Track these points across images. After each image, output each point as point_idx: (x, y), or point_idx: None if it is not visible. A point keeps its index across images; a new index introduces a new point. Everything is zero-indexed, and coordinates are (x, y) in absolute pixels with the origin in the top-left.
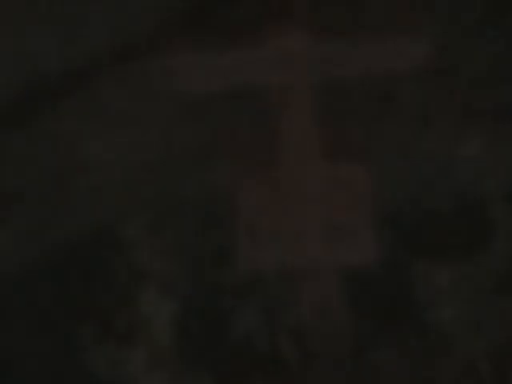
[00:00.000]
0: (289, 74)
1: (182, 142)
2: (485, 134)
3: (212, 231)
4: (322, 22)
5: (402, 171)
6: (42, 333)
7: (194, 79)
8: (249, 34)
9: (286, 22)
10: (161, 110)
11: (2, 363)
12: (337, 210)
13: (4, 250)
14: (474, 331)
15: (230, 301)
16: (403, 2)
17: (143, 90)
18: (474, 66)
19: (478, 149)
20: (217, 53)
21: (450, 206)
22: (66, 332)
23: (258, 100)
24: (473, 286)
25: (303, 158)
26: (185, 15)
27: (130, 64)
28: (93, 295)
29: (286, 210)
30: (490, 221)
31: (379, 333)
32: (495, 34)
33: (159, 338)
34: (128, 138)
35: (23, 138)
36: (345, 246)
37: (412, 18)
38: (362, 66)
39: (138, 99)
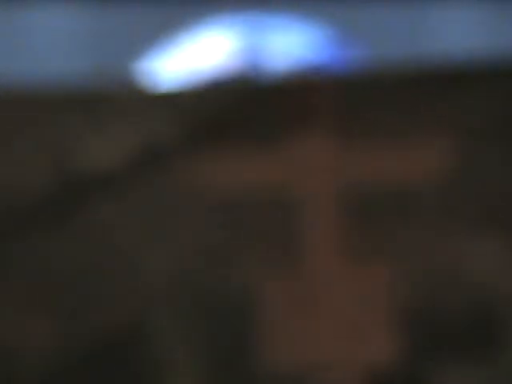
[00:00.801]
0: (314, 178)
1: (208, 244)
2: (498, 240)
3: (239, 325)
4: (348, 127)
5: (420, 272)
6: None
7: (219, 187)
8: (274, 139)
9: (312, 126)
10: (188, 212)
11: None
12: (356, 308)
13: (42, 346)
14: None
15: None
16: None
17: (170, 191)
18: (491, 174)
19: (491, 253)
20: (242, 158)
21: (463, 308)
22: None
23: (281, 202)
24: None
25: (326, 257)
26: (211, 121)
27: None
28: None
29: (307, 309)
30: (503, 323)
31: None
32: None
33: None
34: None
35: (63, 234)
36: (367, 341)
37: (433, 128)
38: (383, 168)
39: (167, 206)
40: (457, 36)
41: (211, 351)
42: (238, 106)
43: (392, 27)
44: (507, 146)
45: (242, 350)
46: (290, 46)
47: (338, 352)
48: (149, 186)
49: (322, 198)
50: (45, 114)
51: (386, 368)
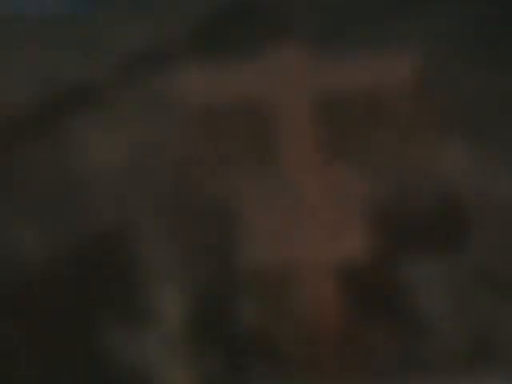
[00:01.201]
0: (288, 86)
1: (185, 149)
2: (465, 142)
3: (220, 227)
4: (319, 37)
5: (391, 173)
6: (62, 320)
7: (196, 92)
8: (249, 50)
9: (286, 37)
10: (166, 120)
11: (27, 343)
12: (332, 208)
13: (30, 246)
14: (452, 320)
15: (236, 290)
16: (391, 18)
17: (152, 102)
18: (457, 79)
19: (461, 155)
20: (218, 67)
21: (432, 208)
22: (85, 319)
23: (259, 110)
24: (452, 279)
25: (300, 162)
26: (187, 32)
27: (138, 78)
28: (108, 285)
29: (283, 209)
30: (469, 220)
31: (369, 320)
32: (481, 48)
33: (172, 324)
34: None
35: (47, 145)
36: (340, 239)
37: (400, 33)
38: (354, 79)
39: (147, 111)
40: None
41: (197, 251)
42: (215, 19)
43: None
44: (475, 55)
45: (223, 248)
46: None
47: (313, 249)
48: (134, 97)
49: (296, 106)
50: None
51: (358, 264)
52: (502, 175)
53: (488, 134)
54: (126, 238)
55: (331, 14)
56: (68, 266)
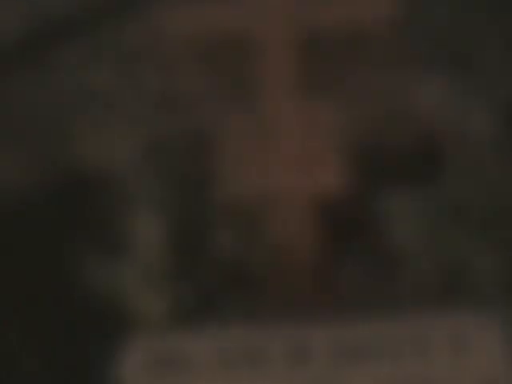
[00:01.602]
0: (268, 22)
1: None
2: (442, 79)
3: (199, 159)
4: None
5: (367, 108)
6: (40, 249)
7: (183, 26)
8: None
9: None
10: (155, 52)
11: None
12: (309, 142)
13: (6, 179)
14: (425, 250)
15: (212, 220)
16: None
17: (140, 34)
18: (437, 17)
19: (435, 92)
20: (203, 3)
21: (409, 141)
22: (65, 249)
23: (241, 45)
24: (426, 212)
25: (280, 96)
26: None
27: (127, 13)
28: (88, 213)
29: (263, 141)
30: (443, 156)
31: (342, 254)
32: None
33: (147, 252)
34: (127, 73)
35: (34, 71)
36: (315, 173)
37: None
38: (335, 14)
39: (135, 43)
40: None
41: (179, 184)
42: None
43: None
44: None
45: (204, 181)
46: None
47: (288, 182)
48: (116, 31)
49: (279, 41)
50: None
51: (332, 198)
52: (475, 111)
53: (463, 70)
54: (103, 167)
55: None
56: (44, 191)
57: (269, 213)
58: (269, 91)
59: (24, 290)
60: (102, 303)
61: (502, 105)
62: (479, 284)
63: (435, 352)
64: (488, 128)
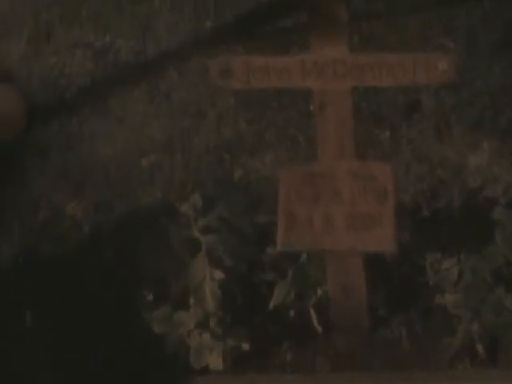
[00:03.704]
0: (329, 79)
1: (234, 132)
2: (494, 145)
3: (255, 213)
4: (360, 34)
5: (421, 170)
6: (107, 292)
7: (246, 78)
8: (295, 42)
9: (329, 33)
10: (216, 103)
11: (77, 314)
12: (363, 201)
13: (77, 219)
14: (473, 314)
15: (267, 275)
16: (431, 24)
17: (201, 84)
18: (489, 83)
19: (487, 157)
20: (267, 57)
21: (460, 204)
22: (130, 294)
23: (302, 100)
24: (475, 275)
25: (337, 153)
26: (239, 24)
27: (191, 62)
28: (151, 262)
29: (319, 199)
30: (492, 222)
31: (393, 312)
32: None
33: (207, 303)
34: (187, 124)
35: (95, 119)
36: (369, 232)
37: (438, 39)
38: (392, 76)
39: (196, 91)
40: None
41: (236, 235)
42: (265, 13)
43: None
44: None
45: (262, 230)
46: None
47: (342, 238)
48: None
49: (337, 97)
50: None
51: (384, 252)
52: None
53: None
54: (172, 214)
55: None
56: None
57: (321, 269)
58: (325, 149)
59: (86, 334)
60: (161, 350)
61: None
62: None
63: None
64: None
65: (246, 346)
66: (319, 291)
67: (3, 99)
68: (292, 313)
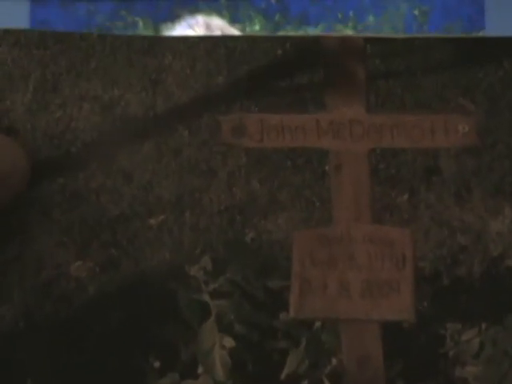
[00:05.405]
0: (345, 139)
1: (246, 192)
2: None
3: (268, 277)
4: (377, 94)
5: (440, 236)
6: (113, 360)
7: (259, 137)
8: (311, 101)
9: (345, 91)
10: (227, 161)
11: (81, 381)
12: (380, 267)
13: (82, 280)
14: None
15: (280, 343)
16: (450, 84)
17: (213, 141)
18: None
19: (508, 223)
20: (282, 115)
21: (481, 272)
22: (135, 361)
23: (317, 160)
24: (496, 347)
25: (353, 217)
26: (253, 80)
27: (203, 118)
28: (159, 328)
29: (334, 264)
30: None
31: (411, 383)
32: None
33: (217, 371)
34: (197, 182)
35: (103, 175)
36: (386, 300)
37: (457, 99)
38: (410, 137)
39: (207, 149)
40: None
41: (246, 302)
42: (280, 71)
43: None
44: None
45: (274, 295)
46: None
47: (358, 303)
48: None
49: (353, 160)
50: None
51: (402, 321)
52: None
53: None
54: (181, 277)
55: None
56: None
57: (336, 337)
58: (341, 212)
59: None
60: None
61: None
62: None
63: None
64: None
65: None
66: (334, 360)
67: (7, 155)
68: (305, 383)
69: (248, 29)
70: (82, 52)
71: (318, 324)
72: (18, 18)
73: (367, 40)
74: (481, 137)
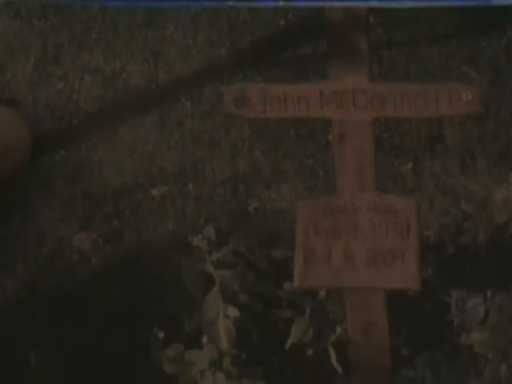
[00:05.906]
0: (348, 109)
1: (250, 162)
2: None
3: (271, 247)
4: (380, 64)
5: (445, 204)
6: (117, 331)
7: (262, 107)
8: (314, 71)
9: (348, 62)
10: (230, 132)
11: (85, 353)
12: (385, 236)
13: (85, 252)
14: (501, 354)
15: (284, 312)
16: (453, 53)
17: (215, 112)
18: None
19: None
20: (284, 85)
21: (486, 240)
22: (139, 332)
23: (320, 130)
24: (502, 314)
25: (357, 186)
26: (255, 51)
27: (205, 89)
28: (163, 299)
29: (338, 233)
30: None
31: (416, 351)
32: None
33: (221, 341)
34: (200, 153)
35: (105, 147)
36: (391, 269)
37: (461, 68)
38: (414, 106)
39: (210, 120)
40: None
41: (250, 272)
42: (283, 41)
43: None
44: None
45: (279, 265)
46: None
47: (363, 272)
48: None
49: (355, 127)
50: None
51: (407, 289)
52: None
53: None
54: (184, 248)
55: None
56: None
57: (341, 306)
58: (345, 181)
59: (93, 374)
60: None
61: None
62: None
63: None
64: None
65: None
66: (338, 329)
67: (8, 127)
68: (310, 352)
69: None
70: (83, 23)
71: (322, 293)
72: None
73: (370, 10)
74: (484, 105)
